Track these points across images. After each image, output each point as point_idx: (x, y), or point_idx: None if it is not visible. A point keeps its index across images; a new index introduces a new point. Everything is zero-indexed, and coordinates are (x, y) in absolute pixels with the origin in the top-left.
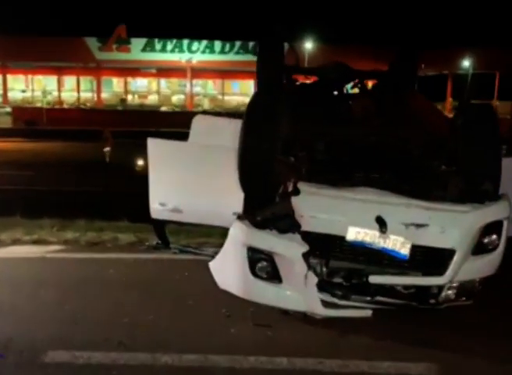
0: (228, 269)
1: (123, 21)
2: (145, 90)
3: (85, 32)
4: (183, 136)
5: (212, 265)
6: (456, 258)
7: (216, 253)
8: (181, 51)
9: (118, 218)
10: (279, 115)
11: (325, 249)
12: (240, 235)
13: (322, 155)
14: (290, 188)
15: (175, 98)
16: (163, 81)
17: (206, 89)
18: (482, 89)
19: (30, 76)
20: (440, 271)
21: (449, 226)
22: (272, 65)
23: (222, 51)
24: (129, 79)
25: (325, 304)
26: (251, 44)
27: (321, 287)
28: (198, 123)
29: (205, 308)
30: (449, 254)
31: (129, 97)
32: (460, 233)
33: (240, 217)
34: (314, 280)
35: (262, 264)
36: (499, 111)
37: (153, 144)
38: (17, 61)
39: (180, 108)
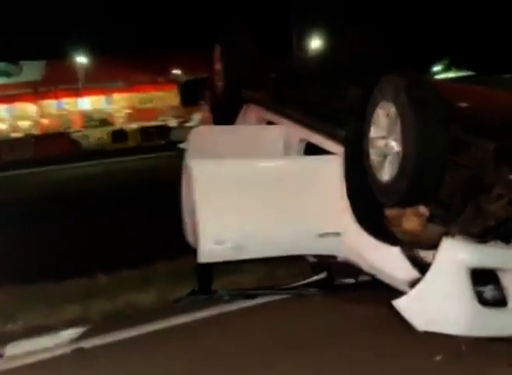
0: (437, 304)
1: None
2: None
3: None
4: None
5: (404, 303)
6: None
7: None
8: None
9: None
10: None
11: None
12: (458, 256)
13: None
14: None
15: None
16: None
17: None
18: None
19: None
20: None
21: None
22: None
23: None
24: None
25: None
26: None
27: None
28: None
29: (413, 358)
30: None
31: None
32: None
33: (449, 235)
34: None
35: (488, 287)
36: None
37: (200, 168)
38: None
39: None
